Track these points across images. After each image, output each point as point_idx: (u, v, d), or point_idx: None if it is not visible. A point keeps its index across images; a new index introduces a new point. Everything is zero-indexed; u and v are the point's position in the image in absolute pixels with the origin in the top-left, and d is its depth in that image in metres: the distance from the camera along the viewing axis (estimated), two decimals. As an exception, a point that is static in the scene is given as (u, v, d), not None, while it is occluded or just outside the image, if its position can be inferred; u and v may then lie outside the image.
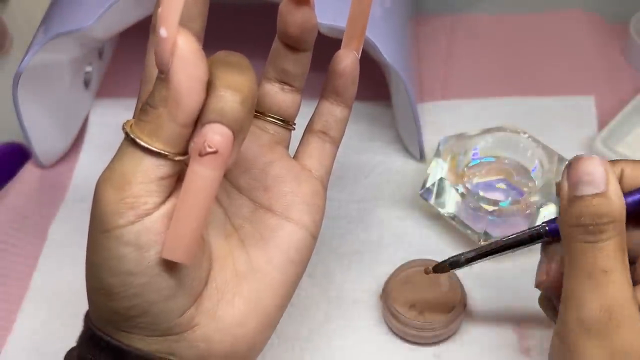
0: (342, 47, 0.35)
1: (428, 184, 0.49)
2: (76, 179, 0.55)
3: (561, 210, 0.33)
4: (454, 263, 0.41)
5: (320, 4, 0.39)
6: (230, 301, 0.32)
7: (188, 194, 0.28)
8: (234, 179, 0.35)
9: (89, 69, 0.57)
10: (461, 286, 0.45)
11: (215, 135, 0.28)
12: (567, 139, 0.54)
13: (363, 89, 0.58)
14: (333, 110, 0.36)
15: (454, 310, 0.44)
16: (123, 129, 0.29)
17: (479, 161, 0.50)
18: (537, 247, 0.48)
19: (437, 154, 0.49)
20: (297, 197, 0.35)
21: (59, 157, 0.56)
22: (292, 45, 0.34)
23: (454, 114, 0.57)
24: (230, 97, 0.28)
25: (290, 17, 0.32)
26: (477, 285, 0.46)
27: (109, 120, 0.57)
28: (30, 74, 0.49)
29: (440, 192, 0.48)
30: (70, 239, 0.51)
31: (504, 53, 0.61)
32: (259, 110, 0.35)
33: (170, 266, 0.30)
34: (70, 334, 0.46)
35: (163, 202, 0.29)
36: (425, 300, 0.45)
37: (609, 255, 0.32)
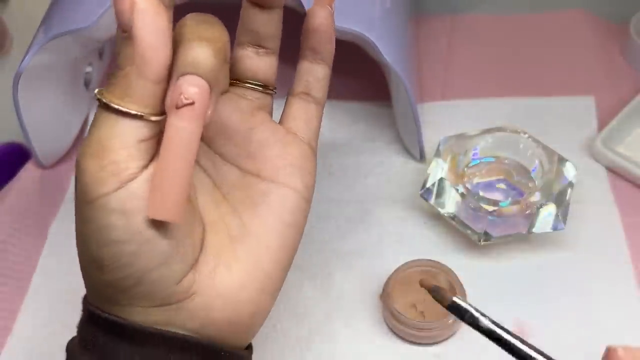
0: (314, 3, 0.34)
1: (428, 184, 0.48)
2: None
3: None
4: (456, 309, 0.31)
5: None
6: (228, 267, 0.32)
7: (168, 149, 0.28)
8: (217, 147, 0.34)
9: (89, 69, 0.57)
10: (461, 286, 0.45)
11: (191, 86, 0.28)
12: (567, 139, 0.54)
13: (363, 89, 0.58)
14: (312, 69, 0.35)
15: (454, 310, 0.44)
16: (94, 96, 0.29)
17: (479, 161, 0.50)
18: (548, 246, 0.49)
19: (437, 154, 0.49)
20: (284, 160, 0.34)
21: (59, 157, 0.56)
22: (260, 2, 0.33)
23: (454, 114, 0.57)
24: (204, 48, 0.28)
25: None
26: (477, 285, 0.46)
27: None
28: (30, 74, 0.49)
29: (440, 192, 0.48)
30: (71, 239, 0.50)
31: (504, 53, 0.61)
32: (235, 78, 0.34)
33: (159, 230, 0.29)
34: (70, 334, 0.46)
35: (146, 165, 0.29)
36: (425, 300, 0.45)
37: None
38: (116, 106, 0.28)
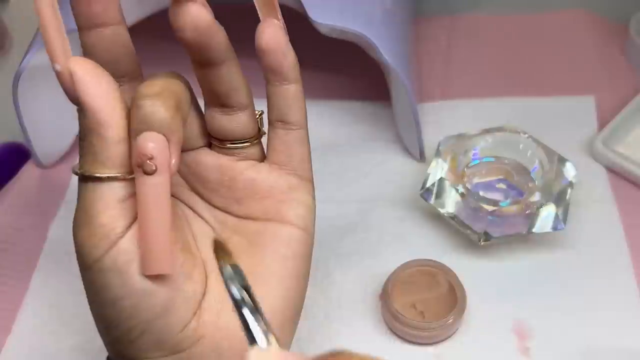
0: (261, 21, 0.32)
1: (428, 184, 0.48)
2: (76, 178, 0.55)
3: None
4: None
5: (320, 5, 0.39)
6: (232, 308, 0.32)
7: (142, 205, 0.29)
8: (208, 199, 0.35)
9: (89, 69, 0.57)
10: (461, 286, 0.45)
11: (147, 142, 0.28)
12: (567, 139, 0.54)
13: (363, 89, 0.58)
14: (279, 92, 0.33)
15: (454, 310, 0.44)
16: (72, 171, 0.30)
17: (479, 161, 0.50)
18: (548, 246, 0.49)
19: (437, 154, 0.49)
20: (270, 198, 0.34)
21: (59, 157, 0.56)
22: (202, 59, 0.31)
23: (454, 114, 0.57)
24: (149, 102, 0.28)
25: (179, 19, 0.29)
26: (477, 285, 0.46)
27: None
28: (30, 74, 0.49)
29: (440, 192, 0.48)
30: (70, 239, 0.50)
31: (504, 53, 0.61)
32: (213, 136, 0.34)
33: (155, 282, 0.30)
34: (70, 334, 0.46)
35: (131, 223, 0.30)
36: (425, 300, 0.45)
37: None
38: (90, 174, 0.29)
